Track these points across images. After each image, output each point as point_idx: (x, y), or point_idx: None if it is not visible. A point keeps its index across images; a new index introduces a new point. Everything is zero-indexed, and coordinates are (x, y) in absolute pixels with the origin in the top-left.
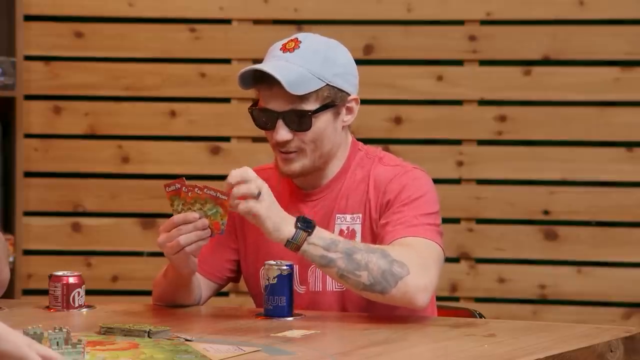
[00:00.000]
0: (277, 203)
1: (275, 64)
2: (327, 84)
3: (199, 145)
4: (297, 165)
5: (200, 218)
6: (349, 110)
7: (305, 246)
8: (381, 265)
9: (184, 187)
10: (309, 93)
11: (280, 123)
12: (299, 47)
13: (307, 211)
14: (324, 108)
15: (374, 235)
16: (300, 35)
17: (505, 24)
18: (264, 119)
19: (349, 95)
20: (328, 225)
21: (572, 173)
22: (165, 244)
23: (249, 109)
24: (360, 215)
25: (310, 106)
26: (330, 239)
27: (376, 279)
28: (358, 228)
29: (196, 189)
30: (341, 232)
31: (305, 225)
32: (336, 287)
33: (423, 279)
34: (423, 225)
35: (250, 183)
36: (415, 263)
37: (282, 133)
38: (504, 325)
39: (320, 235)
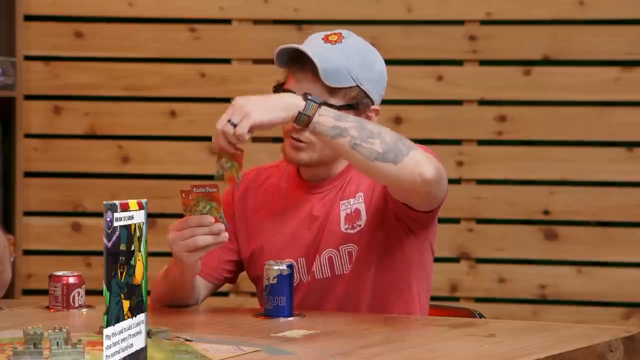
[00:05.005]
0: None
1: (316, 51)
2: (358, 85)
3: (199, 145)
4: (305, 156)
5: (215, 222)
6: (368, 119)
7: (316, 117)
8: (392, 135)
9: (183, 194)
10: (339, 88)
11: None
12: (341, 42)
13: (316, 202)
14: (347, 107)
15: (377, 214)
16: (344, 32)
17: (505, 24)
18: None
19: (373, 104)
20: (333, 214)
21: (572, 173)
22: (178, 242)
23: (273, 87)
24: (362, 194)
25: (336, 102)
26: (339, 112)
27: (389, 146)
28: (361, 206)
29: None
30: (347, 216)
31: (314, 97)
32: (345, 270)
33: (428, 156)
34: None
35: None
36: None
37: None
38: (504, 325)
39: (329, 108)
